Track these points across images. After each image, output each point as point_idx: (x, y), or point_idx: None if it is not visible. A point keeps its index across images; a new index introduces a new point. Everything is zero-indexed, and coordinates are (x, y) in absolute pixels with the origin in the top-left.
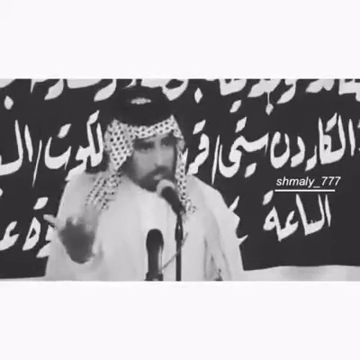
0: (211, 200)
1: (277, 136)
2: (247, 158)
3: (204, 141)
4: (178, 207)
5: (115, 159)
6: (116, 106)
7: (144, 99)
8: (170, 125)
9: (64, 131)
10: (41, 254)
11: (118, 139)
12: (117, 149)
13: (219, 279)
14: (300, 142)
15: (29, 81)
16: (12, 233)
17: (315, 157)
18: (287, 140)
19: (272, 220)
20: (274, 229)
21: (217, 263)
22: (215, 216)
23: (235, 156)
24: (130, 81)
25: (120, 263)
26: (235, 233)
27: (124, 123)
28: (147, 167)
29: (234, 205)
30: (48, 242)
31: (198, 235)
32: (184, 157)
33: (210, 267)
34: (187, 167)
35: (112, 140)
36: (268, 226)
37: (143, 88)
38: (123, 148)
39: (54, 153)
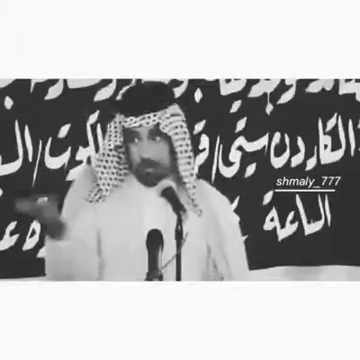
0: (218, 206)
1: (277, 136)
2: (247, 158)
3: (204, 141)
4: (178, 207)
5: (104, 144)
6: (122, 98)
7: (143, 92)
8: (158, 118)
9: (64, 131)
10: (41, 254)
11: (110, 127)
12: (110, 136)
13: (218, 277)
14: (300, 142)
15: (29, 81)
16: (12, 233)
17: (315, 157)
18: (287, 140)
19: (272, 220)
20: (274, 229)
21: (220, 269)
22: (220, 222)
23: (235, 156)
24: (130, 81)
25: (119, 261)
26: (242, 242)
27: (121, 113)
28: (135, 159)
29: (234, 205)
30: None
31: (201, 239)
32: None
33: (213, 273)
34: None
35: (109, 128)
36: (268, 226)
37: (149, 82)
38: (115, 136)
39: (54, 153)
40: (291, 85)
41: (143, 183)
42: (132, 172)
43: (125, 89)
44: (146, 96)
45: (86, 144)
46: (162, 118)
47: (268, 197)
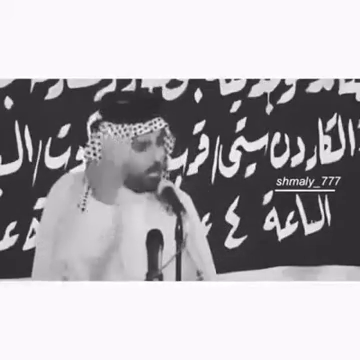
0: (185, 202)
1: (277, 136)
2: (247, 158)
3: (204, 141)
4: (178, 207)
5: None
6: (106, 108)
7: (130, 99)
8: (163, 121)
9: (64, 131)
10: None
11: (117, 139)
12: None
13: (200, 279)
14: (300, 142)
15: (29, 81)
16: (12, 233)
17: (315, 157)
18: (287, 140)
19: (272, 220)
20: (274, 229)
21: (194, 260)
22: (190, 218)
23: (235, 156)
24: (130, 81)
25: (121, 264)
26: (206, 239)
27: (118, 123)
28: (145, 165)
29: (234, 205)
30: None
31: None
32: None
33: (185, 262)
34: (187, 167)
35: (116, 140)
36: (268, 226)
37: (127, 92)
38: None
39: (54, 153)
40: (291, 85)
41: (144, 190)
42: (125, 183)
43: (108, 100)
44: (144, 102)
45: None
46: (163, 121)
47: (268, 197)
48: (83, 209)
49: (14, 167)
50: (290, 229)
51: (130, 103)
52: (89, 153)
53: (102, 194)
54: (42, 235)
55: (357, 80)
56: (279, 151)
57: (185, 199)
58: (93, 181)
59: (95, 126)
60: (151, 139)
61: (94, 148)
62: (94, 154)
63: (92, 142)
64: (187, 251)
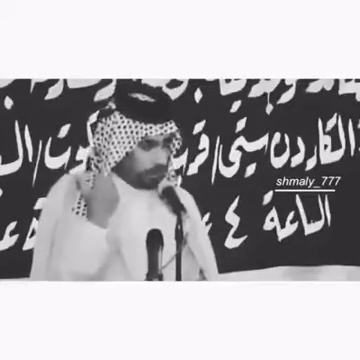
0: (186, 201)
1: (277, 136)
2: (247, 158)
3: (204, 141)
4: (178, 207)
5: (117, 152)
6: (122, 99)
7: (147, 97)
8: (174, 126)
9: (64, 131)
10: None
11: (120, 133)
12: (119, 143)
13: (203, 279)
14: (300, 142)
15: (29, 81)
16: (12, 233)
17: (315, 157)
18: (287, 140)
19: (272, 220)
20: (274, 229)
21: (196, 258)
22: (192, 216)
23: (235, 156)
24: (130, 81)
25: (120, 263)
26: (208, 237)
27: (130, 118)
28: (146, 165)
29: (234, 205)
30: None
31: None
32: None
33: (186, 262)
34: (187, 167)
35: (114, 133)
36: (268, 226)
37: (145, 85)
38: (124, 143)
39: (54, 153)
40: (291, 85)
41: (142, 187)
42: (125, 177)
43: (125, 90)
44: (158, 103)
45: (86, 144)
46: (175, 126)
47: (268, 197)
48: (77, 213)
49: (14, 167)
50: (290, 229)
51: (148, 102)
52: (98, 139)
53: (96, 217)
54: (40, 236)
55: (357, 80)
56: (279, 151)
57: (186, 198)
58: (87, 202)
59: (107, 113)
60: (158, 141)
61: (102, 134)
62: (102, 141)
63: (102, 128)
64: (189, 249)
